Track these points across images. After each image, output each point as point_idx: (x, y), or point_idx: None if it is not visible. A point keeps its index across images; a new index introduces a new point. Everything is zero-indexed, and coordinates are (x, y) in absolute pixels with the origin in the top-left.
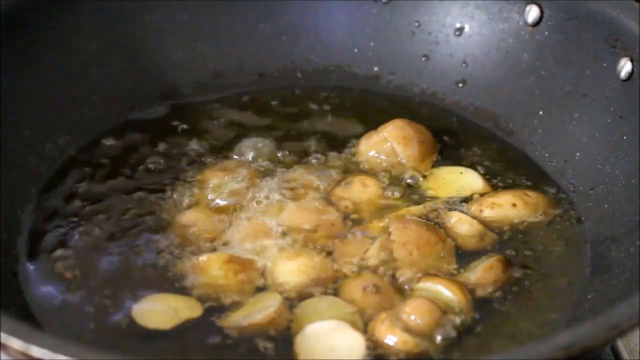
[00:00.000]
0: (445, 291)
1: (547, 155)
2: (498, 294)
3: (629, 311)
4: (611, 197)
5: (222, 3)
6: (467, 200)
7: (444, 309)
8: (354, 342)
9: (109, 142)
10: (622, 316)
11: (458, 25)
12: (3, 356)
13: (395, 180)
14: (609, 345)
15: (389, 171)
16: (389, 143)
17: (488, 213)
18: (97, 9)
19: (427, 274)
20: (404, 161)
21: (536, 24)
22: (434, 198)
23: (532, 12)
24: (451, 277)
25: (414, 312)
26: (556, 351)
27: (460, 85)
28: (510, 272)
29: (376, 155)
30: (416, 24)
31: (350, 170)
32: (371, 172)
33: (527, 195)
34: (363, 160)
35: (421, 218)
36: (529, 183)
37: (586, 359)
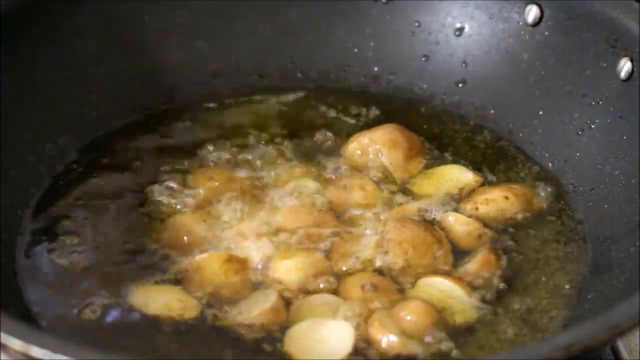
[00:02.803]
0: (450, 286)
1: (547, 155)
2: (497, 293)
3: (629, 311)
4: (611, 197)
5: (222, 3)
6: (460, 195)
7: (441, 310)
8: (340, 331)
9: (108, 142)
10: (622, 316)
11: (458, 25)
12: (3, 356)
13: (387, 181)
14: (609, 345)
15: (377, 172)
16: (377, 145)
17: (484, 209)
18: (97, 9)
19: (425, 273)
20: (391, 164)
21: (536, 24)
22: (427, 196)
23: (532, 12)
24: (449, 275)
25: (411, 314)
26: (556, 351)
27: (460, 85)
28: (504, 262)
29: (362, 155)
30: (416, 24)
31: (346, 170)
32: (361, 172)
33: (512, 187)
34: (350, 159)
35: (419, 218)
36: (529, 183)
37: (586, 359)
